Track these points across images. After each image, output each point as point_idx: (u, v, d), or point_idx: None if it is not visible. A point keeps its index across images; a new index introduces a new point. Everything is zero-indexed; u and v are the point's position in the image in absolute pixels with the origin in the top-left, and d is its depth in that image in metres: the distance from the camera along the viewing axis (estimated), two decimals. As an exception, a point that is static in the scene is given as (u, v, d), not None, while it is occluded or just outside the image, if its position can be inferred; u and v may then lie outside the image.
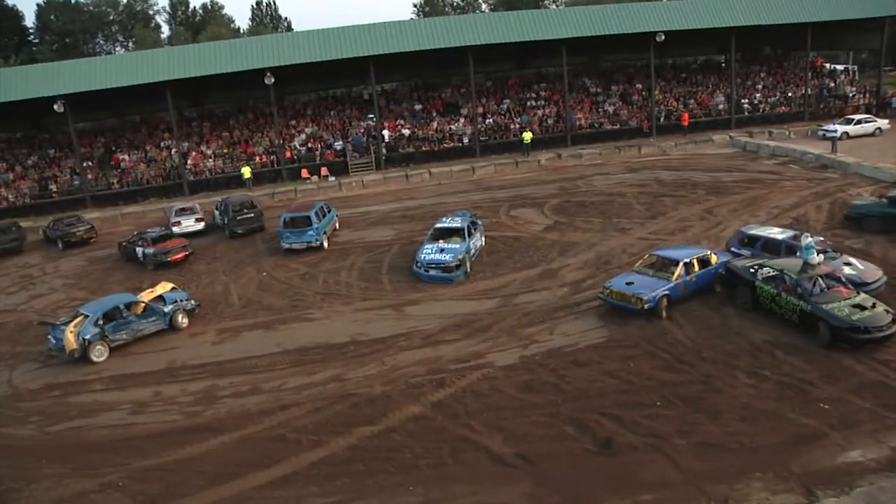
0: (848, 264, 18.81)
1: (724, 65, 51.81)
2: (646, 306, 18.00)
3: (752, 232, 21.41)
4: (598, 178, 36.01)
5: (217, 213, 33.40)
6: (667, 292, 18.44)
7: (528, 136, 42.13)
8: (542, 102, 47.55)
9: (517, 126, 44.28)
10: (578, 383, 15.50)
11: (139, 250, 28.37)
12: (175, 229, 31.24)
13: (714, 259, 19.70)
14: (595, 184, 34.74)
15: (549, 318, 19.25)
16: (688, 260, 19.19)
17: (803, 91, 47.00)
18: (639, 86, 48.60)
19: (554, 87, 48.49)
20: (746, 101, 46.56)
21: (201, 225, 32.78)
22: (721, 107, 46.15)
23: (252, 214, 31.88)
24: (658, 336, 17.43)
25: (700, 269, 19.26)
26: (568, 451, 13.07)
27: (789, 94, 47.26)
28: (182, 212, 33.37)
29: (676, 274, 18.71)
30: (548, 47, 43.24)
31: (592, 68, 51.56)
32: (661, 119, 45.18)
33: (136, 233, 30.37)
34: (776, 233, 20.91)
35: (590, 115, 45.98)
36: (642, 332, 17.75)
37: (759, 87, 48.34)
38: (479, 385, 15.84)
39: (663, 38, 42.01)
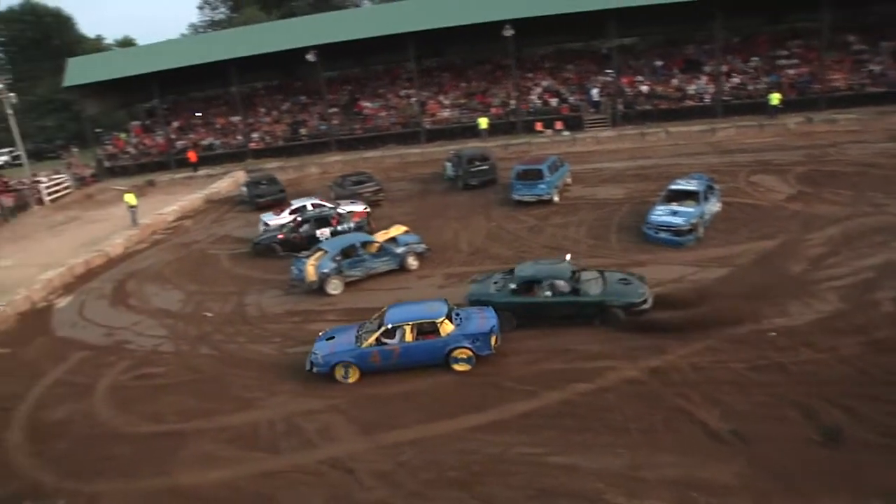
0: None
1: None
2: (315, 370, 15.78)
3: None
4: (853, 146, 32.55)
5: (449, 165, 34.32)
6: (348, 359, 15.59)
7: (776, 97, 39.02)
8: (795, 61, 43.61)
9: (765, 86, 41.20)
10: (809, 366, 14.45)
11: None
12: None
13: (446, 328, 15.55)
14: (849, 153, 31.49)
15: (780, 294, 17.97)
16: (391, 326, 15.63)
17: None
18: (914, 43, 42.95)
19: (809, 45, 44.18)
20: None
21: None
22: None
23: (486, 167, 32.51)
24: (909, 326, 15.73)
25: (415, 338, 15.62)
26: (789, 437, 12.26)
27: None
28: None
29: (370, 340, 15.65)
30: (806, -1, 39.46)
31: (857, 22, 46.27)
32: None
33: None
34: None
35: (850, 76, 41.54)
36: (888, 319, 16.09)
37: None
38: (702, 356, 15.27)
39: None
